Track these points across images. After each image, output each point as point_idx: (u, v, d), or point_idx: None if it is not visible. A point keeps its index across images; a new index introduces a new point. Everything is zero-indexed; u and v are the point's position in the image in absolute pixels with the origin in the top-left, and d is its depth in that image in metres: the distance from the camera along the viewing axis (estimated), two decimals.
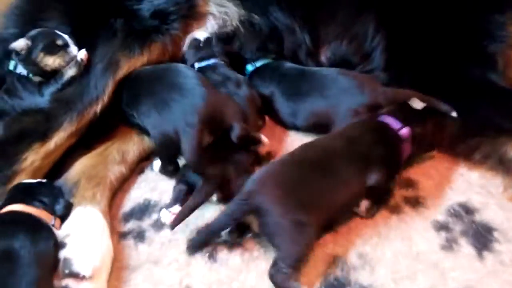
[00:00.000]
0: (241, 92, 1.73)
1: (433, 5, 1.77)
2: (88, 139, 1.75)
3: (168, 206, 1.51)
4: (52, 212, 1.46)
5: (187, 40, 1.88)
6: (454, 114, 1.55)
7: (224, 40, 1.90)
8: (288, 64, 1.85)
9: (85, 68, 1.71)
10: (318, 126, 1.69)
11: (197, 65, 1.82)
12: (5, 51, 1.76)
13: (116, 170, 1.68)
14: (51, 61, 1.68)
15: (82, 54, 1.68)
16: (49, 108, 1.67)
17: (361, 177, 1.40)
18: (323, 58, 1.91)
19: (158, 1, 1.81)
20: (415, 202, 1.50)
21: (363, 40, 1.84)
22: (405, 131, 1.50)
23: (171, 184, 1.62)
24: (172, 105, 1.57)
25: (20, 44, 1.66)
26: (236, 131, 1.55)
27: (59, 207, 1.48)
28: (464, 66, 1.70)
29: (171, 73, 1.67)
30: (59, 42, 1.68)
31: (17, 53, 1.67)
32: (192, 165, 1.52)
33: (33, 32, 1.69)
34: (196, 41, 1.86)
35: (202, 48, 1.84)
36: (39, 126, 1.63)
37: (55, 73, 1.69)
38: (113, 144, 1.75)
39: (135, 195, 1.65)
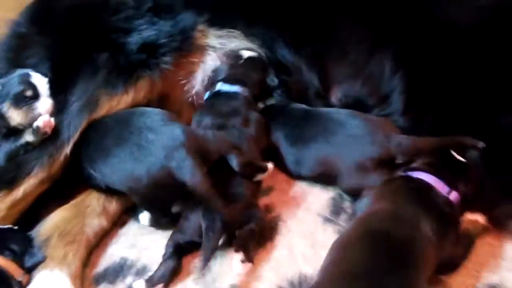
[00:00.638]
0: (245, 130, 1.56)
1: (459, 43, 1.58)
2: (67, 187, 1.59)
3: (147, 279, 1.32)
4: (22, 265, 1.34)
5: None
6: (481, 145, 1.35)
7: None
8: (294, 105, 1.68)
9: (60, 107, 1.57)
10: (324, 176, 1.51)
11: (218, 86, 1.68)
12: None
13: (95, 224, 1.52)
14: (15, 115, 1.53)
15: (40, 121, 1.50)
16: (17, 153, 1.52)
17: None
18: (333, 99, 1.72)
19: (148, 32, 1.67)
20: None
21: (379, 80, 1.65)
22: (455, 196, 1.27)
23: (152, 240, 1.47)
24: (149, 147, 1.39)
25: None
26: (235, 160, 1.43)
27: (30, 261, 1.36)
28: (494, 112, 1.49)
29: (135, 115, 1.50)
30: (28, 93, 1.54)
31: None
32: (206, 195, 1.33)
33: (7, 78, 1.57)
34: (236, 58, 1.72)
35: (237, 68, 1.70)
36: (6, 174, 1.49)
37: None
38: (92, 192, 1.58)
39: (112, 252, 1.49)
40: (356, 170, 1.42)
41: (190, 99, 1.77)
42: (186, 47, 1.71)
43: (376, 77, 1.65)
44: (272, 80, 1.74)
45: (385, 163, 1.40)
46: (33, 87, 1.55)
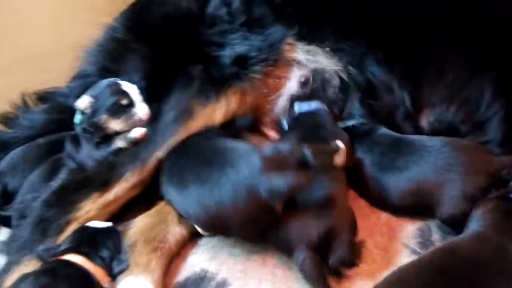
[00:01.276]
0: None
1: None
2: (152, 191, 1.61)
3: None
4: (110, 272, 1.37)
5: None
6: None
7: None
8: (383, 130, 1.62)
9: (154, 115, 1.63)
10: (415, 207, 1.45)
11: (297, 107, 1.68)
12: (85, 87, 1.73)
13: (176, 232, 1.53)
14: (114, 125, 1.61)
15: (137, 133, 1.58)
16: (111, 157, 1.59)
17: None
18: (423, 123, 1.66)
19: (240, 47, 1.69)
20: None
21: (476, 106, 1.58)
22: None
23: (232, 254, 1.48)
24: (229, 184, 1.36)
25: (84, 103, 1.61)
26: (308, 153, 1.39)
27: (117, 269, 1.39)
28: None
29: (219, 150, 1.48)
30: (124, 102, 1.60)
31: (82, 111, 1.62)
32: None
33: (96, 89, 1.62)
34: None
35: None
36: (100, 176, 1.55)
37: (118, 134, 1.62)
38: None
39: (192, 262, 1.50)
40: (463, 199, 1.37)
41: (274, 116, 1.77)
42: (274, 59, 1.71)
43: (474, 102, 1.58)
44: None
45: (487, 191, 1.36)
46: (126, 95, 1.61)
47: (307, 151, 1.37)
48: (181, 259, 1.51)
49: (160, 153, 1.56)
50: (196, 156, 1.48)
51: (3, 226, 1.68)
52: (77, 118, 1.63)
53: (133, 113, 1.61)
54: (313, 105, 1.67)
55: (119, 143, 1.58)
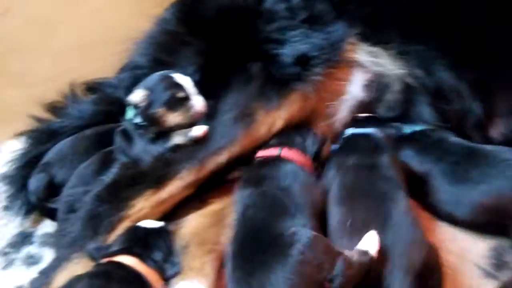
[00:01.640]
0: None
1: None
2: (204, 190, 1.57)
3: None
4: (162, 275, 1.32)
5: None
6: None
7: None
8: (454, 139, 1.53)
9: (210, 113, 1.56)
10: (488, 224, 1.37)
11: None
12: (135, 79, 1.69)
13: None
14: (171, 118, 1.55)
15: (198, 131, 1.50)
16: (168, 154, 1.52)
17: None
18: (494, 133, 1.58)
19: (301, 45, 1.61)
20: None
21: None
22: None
23: None
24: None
25: (139, 96, 1.55)
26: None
27: (170, 272, 1.34)
28: None
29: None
30: (180, 95, 1.55)
31: (135, 105, 1.55)
32: None
33: (151, 82, 1.57)
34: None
35: None
36: (154, 172, 1.49)
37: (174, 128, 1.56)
38: (230, 202, 1.52)
39: None
40: None
41: (332, 123, 1.68)
42: (335, 60, 1.62)
43: None
44: None
45: None
46: (182, 88, 1.55)
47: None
48: None
49: (221, 158, 1.50)
50: None
51: (47, 218, 1.67)
52: (129, 114, 1.57)
53: (190, 106, 1.55)
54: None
55: (177, 139, 1.51)
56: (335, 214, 1.31)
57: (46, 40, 1.89)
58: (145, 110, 1.54)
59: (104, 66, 1.89)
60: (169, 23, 1.76)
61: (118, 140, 1.57)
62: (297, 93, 1.57)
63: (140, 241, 1.35)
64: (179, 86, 1.55)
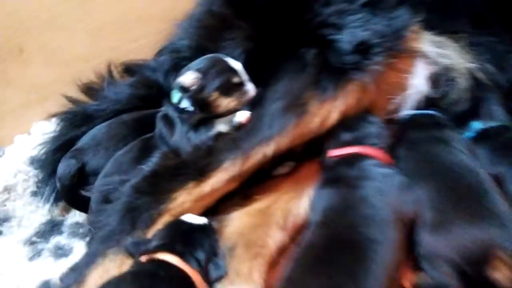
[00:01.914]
0: None
1: None
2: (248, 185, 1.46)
3: None
4: (206, 277, 1.21)
5: None
6: None
7: None
8: None
9: (258, 100, 1.45)
10: None
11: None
12: (175, 63, 1.63)
13: (277, 238, 1.37)
14: (225, 103, 1.46)
15: (243, 116, 1.41)
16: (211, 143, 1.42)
17: None
18: None
19: (362, 31, 1.47)
20: None
21: None
22: None
23: None
24: None
25: (190, 78, 1.46)
26: None
27: (215, 273, 1.23)
28: None
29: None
30: (235, 80, 1.47)
31: (185, 88, 1.46)
32: None
33: (203, 64, 1.49)
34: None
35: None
36: (196, 162, 1.39)
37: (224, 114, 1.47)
38: (277, 200, 1.44)
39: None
40: None
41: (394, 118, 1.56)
42: (398, 49, 1.48)
43: None
44: None
45: None
46: (237, 73, 1.47)
47: None
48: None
49: (268, 149, 1.38)
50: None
51: (73, 207, 1.58)
52: (176, 97, 1.48)
53: (245, 91, 1.47)
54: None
55: (221, 127, 1.42)
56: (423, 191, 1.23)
57: (82, 16, 1.81)
58: (196, 94, 1.45)
59: (143, 46, 1.84)
60: (214, 3, 1.65)
61: (159, 126, 1.48)
62: (355, 84, 1.44)
63: (182, 238, 1.24)
64: (233, 71, 1.47)
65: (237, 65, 1.49)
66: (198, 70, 1.46)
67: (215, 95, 1.45)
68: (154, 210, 1.33)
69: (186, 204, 1.36)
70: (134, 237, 1.29)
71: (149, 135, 1.51)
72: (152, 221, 1.32)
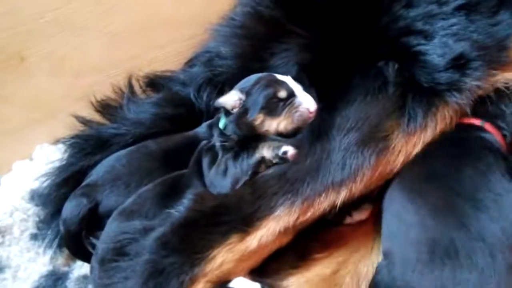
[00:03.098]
0: None
1: None
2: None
3: None
4: None
5: None
6: None
7: None
8: None
9: (324, 134, 1.19)
10: None
11: None
12: (210, 76, 1.45)
13: None
14: (274, 125, 1.26)
15: (290, 151, 1.19)
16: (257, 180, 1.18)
17: None
18: None
19: (457, 41, 1.21)
20: None
21: None
22: None
23: None
24: None
25: (231, 100, 1.29)
26: None
27: None
28: None
29: None
30: (282, 94, 1.27)
31: (227, 111, 1.31)
32: None
33: (247, 83, 1.31)
34: None
35: None
36: (241, 207, 1.15)
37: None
38: (346, 261, 1.19)
39: None
40: None
41: None
42: (500, 62, 1.23)
43: None
44: None
45: None
46: (284, 85, 1.27)
47: None
48: None
49: (337, 197, 1.13)
50: None
51: (81, 259, 1.35)
52: (222, 122, 1.30)
53: (297, 104, 1.26)
54: None
55: (265, 152, 1.21)
56: None
57: (97, 17, 1.59)
58: (239, 118, 1.27)
59: (169, 54, 1.69)
60: (262, 4, 1.43)
61: (205, 162, 1.26)
62: (449, 107, 1.19)
63: None
64: (281, 83, 1.28)
65: (286, 78, 1.30)
66: (241, 90, 1.29)
67: (260, 117, 1.26)
68: (186, 274, 1.09)
69: (226, 266, 1.12)
70: None
71: (183, 171, 1.28)
72: None
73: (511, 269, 0.95)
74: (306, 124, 1.24)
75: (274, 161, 1.19)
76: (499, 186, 1.06)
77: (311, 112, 1.24)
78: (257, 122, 1.26)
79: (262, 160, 1.21)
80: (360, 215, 1.24)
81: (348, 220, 1.23)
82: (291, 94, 1.26)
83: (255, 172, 1.20)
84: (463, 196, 1.04)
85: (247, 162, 1.21)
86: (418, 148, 1.18)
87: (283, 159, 1.19)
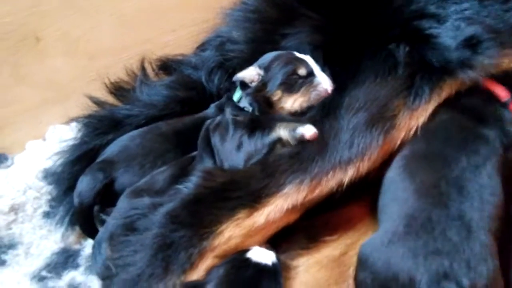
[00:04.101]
0: None
1: None
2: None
3: None
4: None
5: None
6: None
7: None
8: None
9: (331, 109, 1.21)
10: None
11: None
12: (222, 60, 1.46)
13: None
14: (290, 102, 1.28)
15: (309, 131, 1.18)
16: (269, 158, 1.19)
17: None
18: None
19: (469, 25, 1.22)
20: None
21: None
22: None
23: None
24: None
25: (250, 74, 1.31)
26: None
27: None
28: None
29: None
30: (301, 72, 1.28)
31: (244, 85, 1.32)
32: None
33: (267, 59, 1.33)
34: None
35: None
36: (250, 183, 1.16)
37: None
38: (355, 244, 1.20)
39: None
40: None
41: None
42: None
43: None
44: None
45: None
46: (304, 63, 1.29)
47: None
48: None
49: (345, 176, 1.15)
50: None
51: (89, 237, 1.36)
52: (237, 94, 1.33)
53: (316, 83, 1.27)
54: None
55: (282, 132, 1.20)
56: None
57: (114, 1, 1.61)
58: (257, 92, 1.29)
59: (182, 38, 1.69)
60: None
61: (216, 138, 1.27)
62: (456, 81, 1.21)
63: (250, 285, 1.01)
64: (301, 61, 1.30)
65: (305, 56, 1.31)
66: (260, 66, 1.31)
67: (278, 93, 1.28)
68: (194, 248, 1.10)
69: (233, 241, 1.13)
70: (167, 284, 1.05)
71: (194, 153, 1.30)
72: (192, 264, 1.08)
73: (486, 248, 0.96)
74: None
75: (292, 143, 1.19)
76: (487, 180, 1.06)
77: (327, 93, 1.26)
78: (275, 97, 1.27)
79: (278, 140, 1.21)
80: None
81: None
82: (311, 73, 1.28)
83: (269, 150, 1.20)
84: (450, 182, 1.04)
85: (262, 141, 1.22)
86: (420, 120, 1.19)
87: (300, 141, 1.18)
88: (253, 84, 1.29)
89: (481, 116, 1.17)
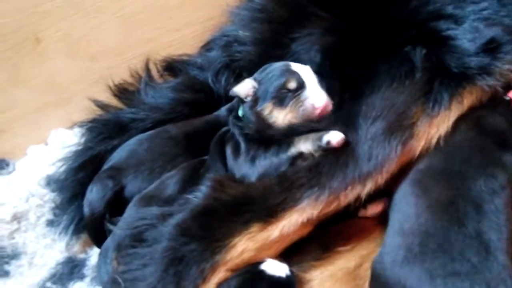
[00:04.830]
0: None
1: None
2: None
3: None
4: None
5: None
6: None
7: None
8: None
9: (348, 119, 1.18)
10: None
11: None
12: (228, 61, 1.45)
13: None
14: (281, 116, 1.24)
15: (335, 137, 1.14)
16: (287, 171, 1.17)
17: None
18: None
19: (488, 26, 1.20)
20: None
21: None
22: None
23: None
24: None
25: (245, 88, 1.29)
26: None
27: None
28: None
29: None
30: (291, 85, 1.25)
31: (241, 100, 1.31)
32: None
33: (262, 71, 1.30)
34: None
35: None
36: (267, 198, 1.14)
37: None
38: (369, 256, 1.17)
39: None
40: None
41: None
42: None
43: None
44: None
45: None
46: (296, 75, 1.25)
47: None
48: None
49: (363, 190, 1.12)
50: None
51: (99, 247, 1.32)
52: (241, 111, 1.30)
53: (303, 98, 1.23)
54: None
55: (303, 146, 1.17)
56: None
57: (116, 0, 1.57)
58: (251, 107, 1.27)
59: (186, 37, 1.67)
60: None
61: (229, 149, 1.27)
62: (478, 88, 1.18)
63: None
64: (293, 73, 1.26)
65: (301, 68, 1.27)
66: (255, 78, 1.29)
67: (269, 107, 1.24)
68: (207, 262, 1.08)
69: (246, 254, 1.12)
70: None
71: (206, 157, 1.29)
72: (204, 278, 1.07)
73: (506, 269, 0.94)
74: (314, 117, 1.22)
75: (316, 154, 1.16)
76: (502, 207, 1.03)
77: (316, 108, 1.21)
78: (266, 112, 1.24)
79: (299, 155, 1.18)
80: (375, 208, 1.22)
81: (362, 213, 1.22)
82: (301, 86, 1.24)
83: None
84: (467, 200, 1.02)
85: (279, 157, 1.19)
86: (440, 129, 1.16)
87: (327, 149, 1.15)
88: (248, 99, 1.27)
89: (504, 141, 1.13)
